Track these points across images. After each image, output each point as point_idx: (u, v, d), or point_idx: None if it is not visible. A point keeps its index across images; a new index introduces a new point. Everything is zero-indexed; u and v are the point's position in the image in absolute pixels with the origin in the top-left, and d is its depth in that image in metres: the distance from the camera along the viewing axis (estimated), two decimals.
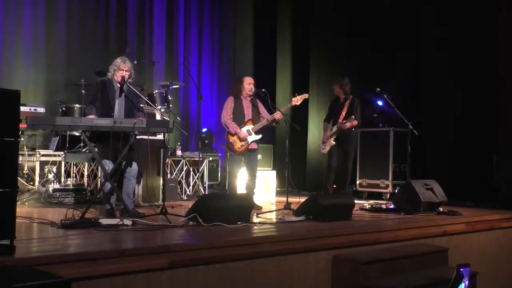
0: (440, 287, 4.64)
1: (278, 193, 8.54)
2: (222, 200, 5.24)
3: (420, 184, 6.37)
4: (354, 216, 5.76)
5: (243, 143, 6.45)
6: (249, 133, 6.48)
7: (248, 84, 6.60)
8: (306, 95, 6.69)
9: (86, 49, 8.88)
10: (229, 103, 6.58)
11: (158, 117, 7.33)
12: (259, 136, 6.55)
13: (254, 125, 6.54)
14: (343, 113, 7.33)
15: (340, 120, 7.31)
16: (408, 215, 6.04)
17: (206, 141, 9.21)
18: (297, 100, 6.63)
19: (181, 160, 7.98)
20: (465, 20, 8.29)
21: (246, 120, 6.53)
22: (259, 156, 8.73)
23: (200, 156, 7.86)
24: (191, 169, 8.11)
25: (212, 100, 10.56)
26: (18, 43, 8.28)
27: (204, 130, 9.61)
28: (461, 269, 4.21)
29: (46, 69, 8.53)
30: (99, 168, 6.48)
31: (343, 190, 7.43)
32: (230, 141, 6.48)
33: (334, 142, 7.35)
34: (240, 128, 6.47)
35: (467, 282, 4.17)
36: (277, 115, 6.50)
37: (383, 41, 9.13)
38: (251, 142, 6.49)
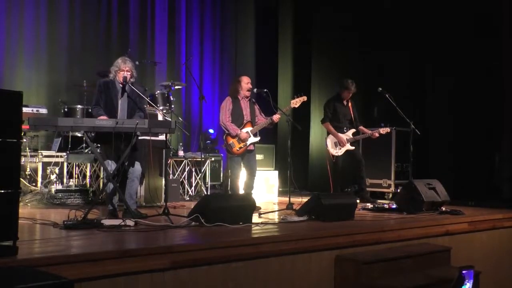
0: (443, 287, 4.64)
1: (280, 193, 8.54)
2: (224, 201, 5.24)
3: (422, 183, 6.36)
4: (356, 216, 5.76)
5: (241, 145, 6.44)
6: (248, 135, 6.48)
7: (246, 83, 6.59)
8: (305, 98, 6.68)
9: (88, 50, 8.89)
10: (228, 104, 6.56)
11: (160, 117, 7.34)
12: (258, 138, 6.56)
13: (252, 127, 6.54)
14: (352, 116, 7.40)
15: (355, 124, 7.42)
16: (410, 215, 6.03)
17: (209, 142, 9.22)
18: (296, 102, 6.63)
19: (183, 161, 7.98)
20: (466, 19, 8.28)
21: (245, 122, 6.52)
22: (261, 156, 8.75)
23: (202, 156, 7.86)
24: (193, 170, 8.11)
25: (214, 101, 10.56)
26: (20, 44, 8.30)
27: (212, 131, 9.62)
28: (464, 271, 4.19)
29: (48, 70, 8.54)
30: (102, 168, 6.49)
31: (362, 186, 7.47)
32: (229, 143, 6.47)
33: (353, 147, 7.35)
34: (240, 130, 6.47)
35: (470, 285, 4.15)
36: (275, 117, 6.50)
37: (384, 40, 9.12)
38: (249, 144, 6.49)
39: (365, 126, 7.57)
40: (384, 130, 7.33)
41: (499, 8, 7.94)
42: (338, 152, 7.29)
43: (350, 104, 7.46)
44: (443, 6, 8.54)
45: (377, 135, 7.34)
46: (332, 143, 7.33)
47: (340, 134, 7.28)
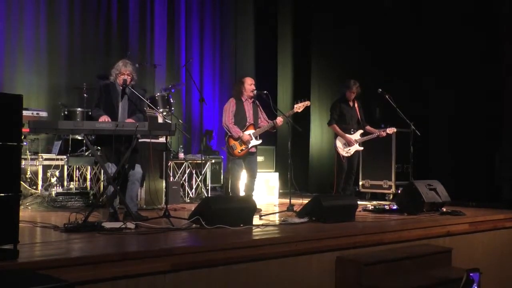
0: None
1: (281, 195, 8.54)
2: (225, 203, 5.24)
3: (423, 184, 6.36)
4: (357, 217, 5.75)
5: (243, 147, 6.43)
6: (250, 138, 6.47)
7: (249, 84, 6.57)
8: (308, 103, 6.68)
9: (87, 52, 8.91)
10: (231, 106, 6.54)
11: (160, 120, 7.34)
12: (260, 141, 6.55)
13: (255, 129, 6.53)
14: (359, 117, 7.43)
15: (362, 124, 7.44)
16: (411, 216, 6.03)
17: (210, 143, 9.24)
18: (299, 107, 6.62)
19: (183, 163, 7.98)
20: (466, 18, 8.28)
21: (248, 124, 6.51)
22: (262, 158, 8.75)
23: (203, 158, 7.85)
24: (194, 172, 8.10)
25: (214, 103, 10.57)
26: (20, 47, 8.31)
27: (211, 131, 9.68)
28: (471, 274, 4.23)
29: (48, 73, 8.55)
30: (102, 171, 6.49)
31: (349, 190, 7.44)
32: (231, 145, 6.46)
33: (362, 148, 7.37)
34: (242, 132, 6.46)
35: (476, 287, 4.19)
36: (279, 121, 6.50)
37: (384, 41, 9.13)
38: (251, 147, 6.48)
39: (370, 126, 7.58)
40: (391, 130, 7.37)
41: (499, 8, 7.94)
42: (349, 152, 7.29)
43: (356, 105, 7.46)
44: (444, 6, 8.54)
45: (384, 134, 7.38)
46: (342, 144, 7.31)
47: (347, 135, 7.29)
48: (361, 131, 7.40)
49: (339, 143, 7.32)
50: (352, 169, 7.40)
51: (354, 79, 7.43)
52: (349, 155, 7.30)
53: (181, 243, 4.23)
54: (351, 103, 7.44)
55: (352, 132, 7.35)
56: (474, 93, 8.11)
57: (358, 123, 7.46)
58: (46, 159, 7.13)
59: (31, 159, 7.00)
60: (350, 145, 7.27)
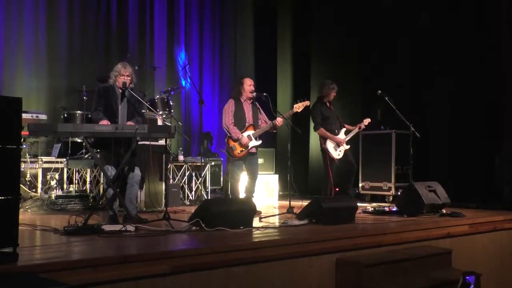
0: None
1: (281, 197, 8.53)
2: (224, 205, 5.23)
3: (423, 186, 6.36)
4: (357, 219, 5.75)
5: (243, 148, 6.43)
6: (249, 139, 6.47)
7: (249, 85, 6.57)
8: (307, 102, 6.68)
9: (87, 55, 8.91)
10: (230, 106, 6.55)
11: (159, 122, 7.35)
12: (260, 142, 6.55)
13: (255, 130, 6.53)
14: (336, 116, 7.45)
15: (342, 124, 7.42)
16: (411, 217, 6.02)
17: (211, 145, 9.27)
18: (299, 107, 6.63)
19: (183, 165, 7.98)
20: (466, 18, 8.29)
21: (247, 125, 6.51)
22: (261, 160, 8.75)
23: (202, 161, 7.86)
24: (194, 174, 8.10)
25: (214, 104, 10.57)
26: (19, 50, 8.31)
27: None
28: (468, 277, 4.24)
29: (48, 76, 8.56)
30: (101, 174, 6.50)
31: (350, 189, 7.46)
32: (230, 145, 6.46)
33: (349, 146, 7.37)
34: (241, 133, 6.46)
35: None
36: (279, 121, 6.49)
37: (383, 42, 9.13)
38: (251, 148, 6.48)
39: (366, 127, 7.57)
40: (366, 121, 7.46)
41: (499, 7, 7.94)
42: (340, 154, 7.29)
43: (331, 106, 7.50)
44: (443, 6, 8.54)
45: (363, 127, 7.46)
46: (332, 148, 7.29)
47: (336, 136, 7.29)
48: (344, 130, 7.41)
49: (330, 146, 7.28)
50: (351, 166, 7.38)
51: (329, 80, 7.44)
52: (340, 156, 7.29)
53: (181, 245, 4.22)
54: (328, 104, 7.44)
55: (337, 132, 7.35)
56: (474, 94, 8.10)
57: (339, 122, 7.47)
58: (45, 162, 7.14)
59: (31, 162, 7.01)
60: (340, 146, 7.27)
